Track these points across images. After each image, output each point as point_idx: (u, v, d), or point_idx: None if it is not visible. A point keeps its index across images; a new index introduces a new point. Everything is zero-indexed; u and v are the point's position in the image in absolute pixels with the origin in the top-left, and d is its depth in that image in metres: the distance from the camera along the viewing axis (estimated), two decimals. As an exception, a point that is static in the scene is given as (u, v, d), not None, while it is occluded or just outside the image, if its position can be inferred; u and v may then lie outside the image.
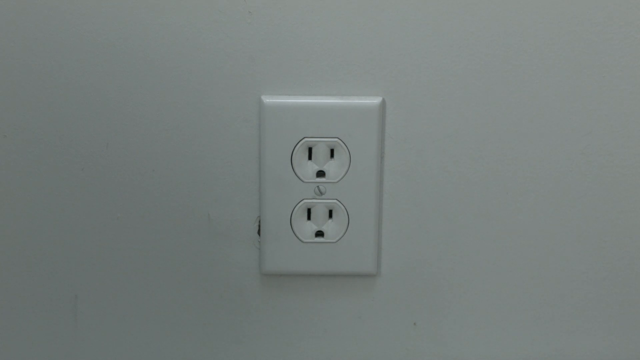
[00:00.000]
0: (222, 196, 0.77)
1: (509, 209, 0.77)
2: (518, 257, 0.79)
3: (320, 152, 0.75)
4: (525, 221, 0.78)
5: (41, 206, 0.77)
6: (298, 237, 0.77)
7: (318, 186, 0.76)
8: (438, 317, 0.80)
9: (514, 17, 0.73)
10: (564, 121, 0.75)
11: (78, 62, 0.73)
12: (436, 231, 0.78)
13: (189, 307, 0.80)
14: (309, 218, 0.77)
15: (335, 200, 0.76)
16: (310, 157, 0.75)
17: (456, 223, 0.78)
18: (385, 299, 0.80)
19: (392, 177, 0.77)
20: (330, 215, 0.77)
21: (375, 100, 0.74)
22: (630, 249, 0.78)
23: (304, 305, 0.80)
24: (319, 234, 0.77)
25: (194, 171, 0.76)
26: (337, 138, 0.75)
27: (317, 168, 0.75)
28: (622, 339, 0.81)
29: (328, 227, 0.77)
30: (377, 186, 0.76)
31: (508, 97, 0.74)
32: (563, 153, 0.76)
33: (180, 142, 0.75)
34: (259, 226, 0.77)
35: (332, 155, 0.75)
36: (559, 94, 0.74)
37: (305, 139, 0.75)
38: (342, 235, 0.77)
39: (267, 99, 0.74)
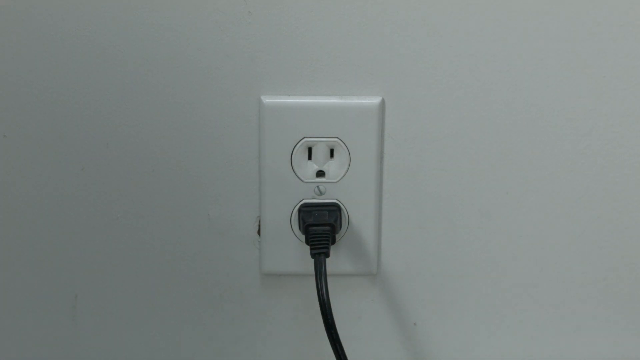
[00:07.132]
0: (222, 196, 0.77)
1: (509, 209, 0.77)
2: (518, 257, 0.79)
3: (320, 152, 0.75)
4: (525, 221, 0.78)
5: (41, 206, 0.77)
6: (298, 237, 0.77)
7: (318, 186, 0.76)
8: (438, 317, 0.80)
9: (513, 17, 0.72)
10: (564, 121, 0.75)
11: (78, 62, 0.73)
12: (436, 231, 0.78)
13: (188, 307, 0.80)
14: (309, 218, 0.77)
15: (335, 200, 0.76)
16: (310, 157, 0.75)
17: (456, 223, 0.78)
18: (385, 299, 0.80)
19: (392, 177, 0.77)
20: (330, 215, 0.77)
21: (375, 100, 0.74)
22: (630, 249, 0.78)
23: (304, 305, 0.80)
24: (319, 234, 0.77)
25: (194, 171, 0.76)
26: (337, 138, 0.75)
27: (317, 168, 0.75)
28: (622, 339, 0.81)
29: (328, 227, 0.77)
30: (377, 186, 0.76)
31: (508, 97, 0.74)
32: (563, 153, 0.76)
33: (180, 142, 0.75)
34: (259, 226, 0.77)
35: (332, 155, 0.75)
36: (559, 94, 0.74)
37: (305, 139, 0.75)
38: (342, 235, 0.77)
39: (267, 99, 0.74)
